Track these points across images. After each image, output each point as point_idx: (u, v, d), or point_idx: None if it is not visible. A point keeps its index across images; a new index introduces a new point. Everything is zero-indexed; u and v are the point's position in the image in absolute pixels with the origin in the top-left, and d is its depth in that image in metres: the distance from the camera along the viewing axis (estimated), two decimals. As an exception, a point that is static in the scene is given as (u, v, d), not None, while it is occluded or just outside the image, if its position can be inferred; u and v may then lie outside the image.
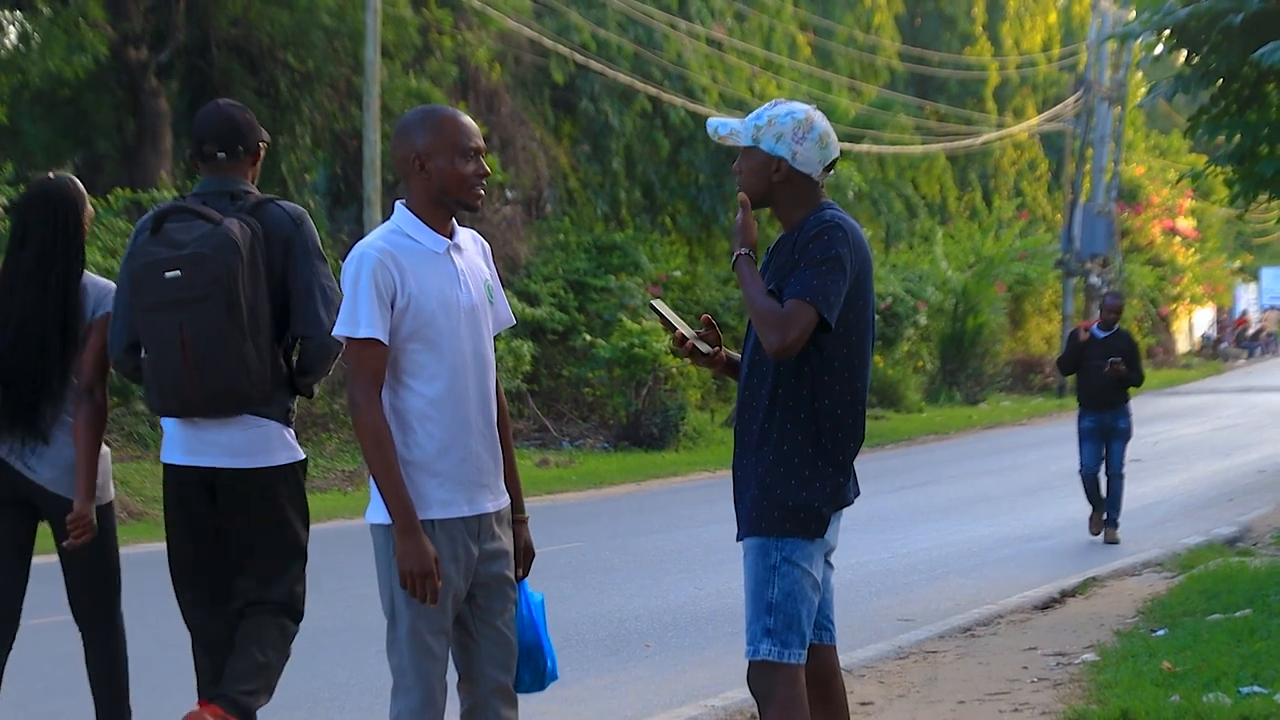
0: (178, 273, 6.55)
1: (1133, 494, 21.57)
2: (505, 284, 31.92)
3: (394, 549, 5.66)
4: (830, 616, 6.10)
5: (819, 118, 5.97)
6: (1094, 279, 47.36)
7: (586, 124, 35.67)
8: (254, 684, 6.86)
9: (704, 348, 6.07)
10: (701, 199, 36.12)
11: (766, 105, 6.05)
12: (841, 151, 6.22)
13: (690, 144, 35.81)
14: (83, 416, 7.27)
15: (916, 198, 47.53)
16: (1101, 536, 17.58)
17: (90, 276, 7.32)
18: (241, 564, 6.91)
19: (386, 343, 5.68)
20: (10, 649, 7.63)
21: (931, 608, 13.23)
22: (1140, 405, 43.08)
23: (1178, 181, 51.72)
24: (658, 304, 6.18)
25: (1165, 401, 44.45)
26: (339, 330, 5.72)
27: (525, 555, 6.01)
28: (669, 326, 6.06)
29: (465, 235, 5.97)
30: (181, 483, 6.83)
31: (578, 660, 11.08)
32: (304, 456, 6.92)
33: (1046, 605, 13.38)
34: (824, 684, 6.06)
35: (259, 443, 6.73)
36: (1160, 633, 11.26)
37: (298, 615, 7.04)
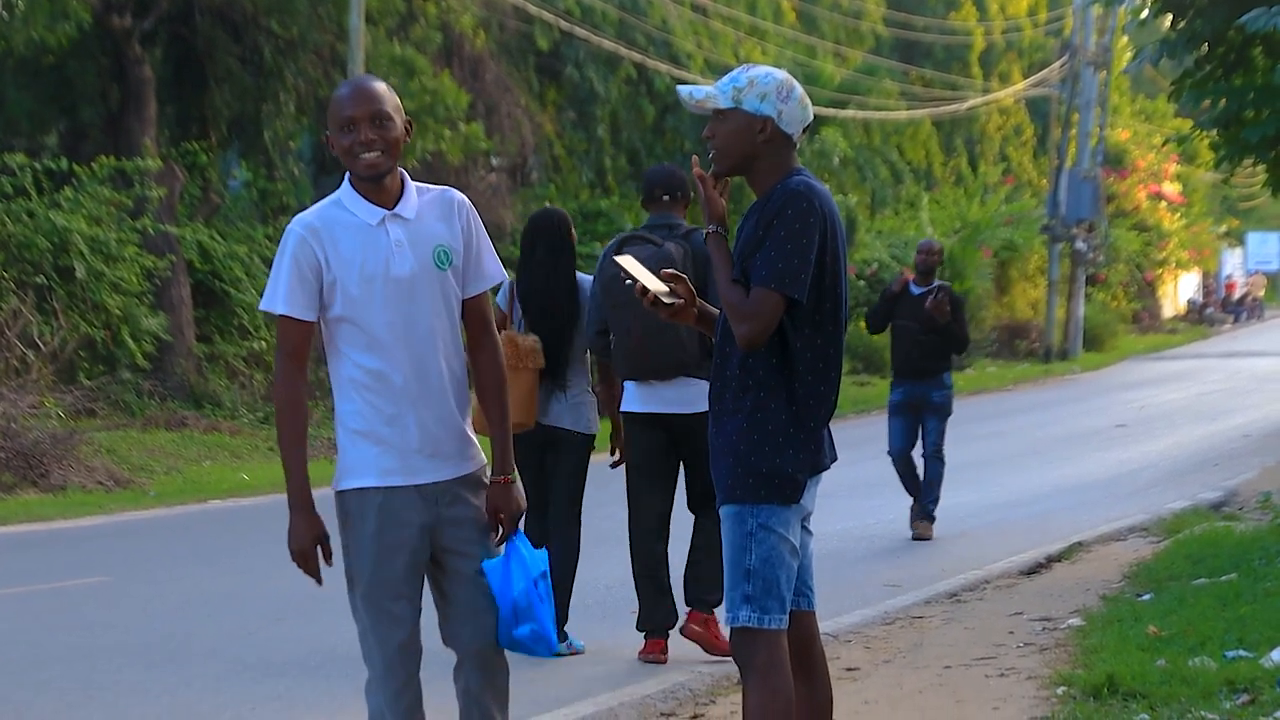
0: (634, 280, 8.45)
1: (1118, 459, 21.66)
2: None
3: (343, 517, 5.85)
4: (809, 583, 6.10)
5: (795, 81, 5.99)
6: (1079, 244, 47.35)
7: (571, 91, 35.60)
8: (715, 586, 9.38)
9: (667, 300, 6.04)
10: (687, 166, 35.94)
11: (739, 69, 6.02)
12: (827, 118, 6.23)
13: (676, 111, 35.74)
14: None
15: (902, 163, 47.48)
16: (913, 532, 15.23)
17: (579, 274, 10.41)
18: (689, 481, 9.87)
19: (304, 319, 5.78)
20: (575, 567, 10.49)
21: (918, 573, 13.26)
22: (1126, 370, 43.41)
23: (1163, 145, 51.85)
24: (622, 259, 6.18)
25: (1151, 366, 44.54)
26: (263, 305, 5.86)
27: (511, 516, 5.98)
28: (632, 280, 6.06)
29: (430, 197, 5.95)
30: (639, 423, 9.89)
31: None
32: None
33: (1033, 570, 13.41)
34: (804, 650, 6.07)
35: (692, 396, 9.45)
36: (1146, 597, 11.30)
37: None
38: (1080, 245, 47.40)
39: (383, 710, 5.81)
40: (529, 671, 9.37)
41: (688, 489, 10.00)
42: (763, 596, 5.83)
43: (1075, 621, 10.69)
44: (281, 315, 5.78)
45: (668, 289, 6.04)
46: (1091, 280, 51.88)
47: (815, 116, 5.99)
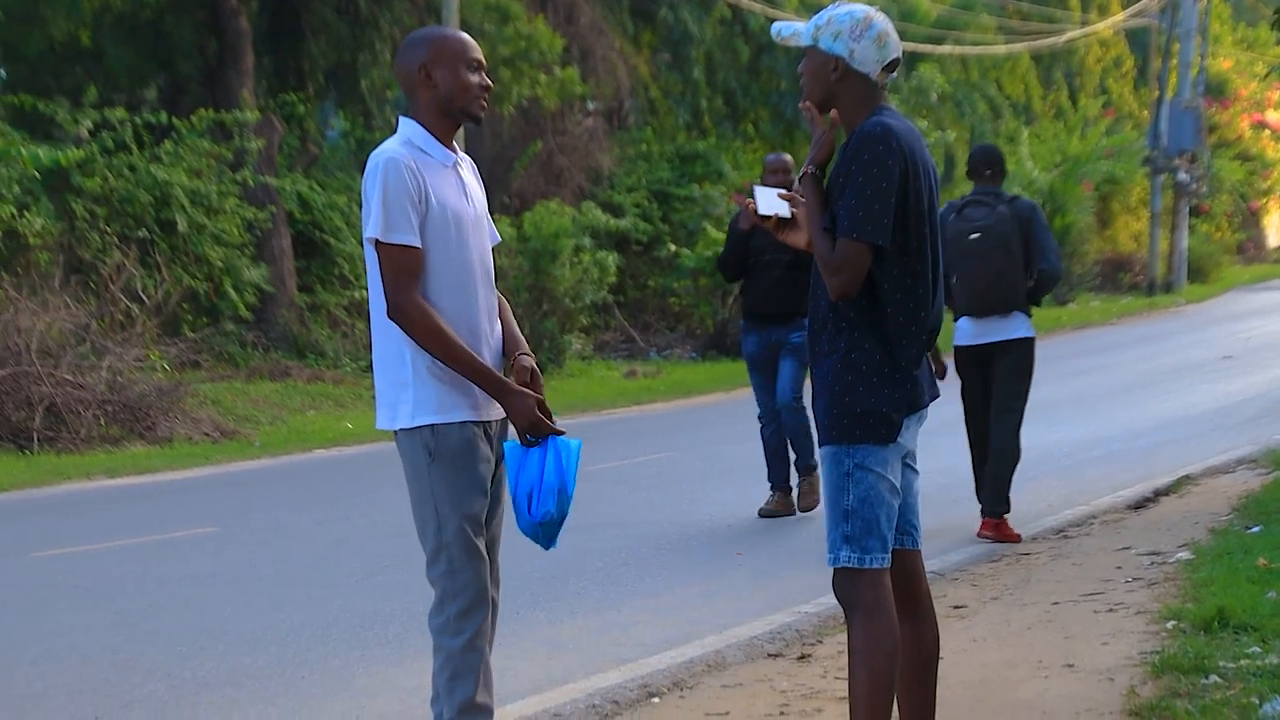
0: (977, 235, 11.57)
1: (1225, 391, 21.44)
2: (589, 195, 31.96)
3: (429, 452, 5.75)
4: (914, 521, 6.06)
5: (879, 17, 5.88)
6: (1182, 175, 46.89)
7: (666, 32, 35.50)
8: (996, 498, 11.91)
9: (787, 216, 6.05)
10: (784, 105, 35.89)
11: (830, 6, 5.97)
12: (923, 54, 6.13)
13: (771, 50, 35.58)
14: None
15: (1000, 98, 47.07)
16: (770, 504, 13.32)
17: None
18: (1002, 399, 11.84)
19: (419, 246, 5.74)
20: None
21: (1024, 509, 13.17)
22: (1231, 301, 43.01)
23: (1266, 75, 51.15)
24: (757, 189, 6.13)
25: (1256, 297, 44.10)
26: (370, 232, 5.74)
27: (535, 381, 5.90)
28: (766, 217, 6.02)
29: (459, 155, 6.05)
30: (971, 355, 11.90)
31: (669, 569, 11.10)
32: (1034, 335, 11.87)
33: (1140, 504, 13.32)
34: (909, 588, 6.04)
35: (1014, 325, 11.71)
36: (1255, 529, 11.20)
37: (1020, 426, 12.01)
38: (1183, 176, 46.93)
39: (461, 648, 5.77)
40: (635, 614, 9.40)
41: (991, 400, 11.98)
42: (863, 536, 5.80)
43: (1184, 555, 10.61)
44: (402, 245, 5.70)
45: (790, 214, 6.03)
46: (1195, 211, 51.36)
47: (911, 53, 5.89)
